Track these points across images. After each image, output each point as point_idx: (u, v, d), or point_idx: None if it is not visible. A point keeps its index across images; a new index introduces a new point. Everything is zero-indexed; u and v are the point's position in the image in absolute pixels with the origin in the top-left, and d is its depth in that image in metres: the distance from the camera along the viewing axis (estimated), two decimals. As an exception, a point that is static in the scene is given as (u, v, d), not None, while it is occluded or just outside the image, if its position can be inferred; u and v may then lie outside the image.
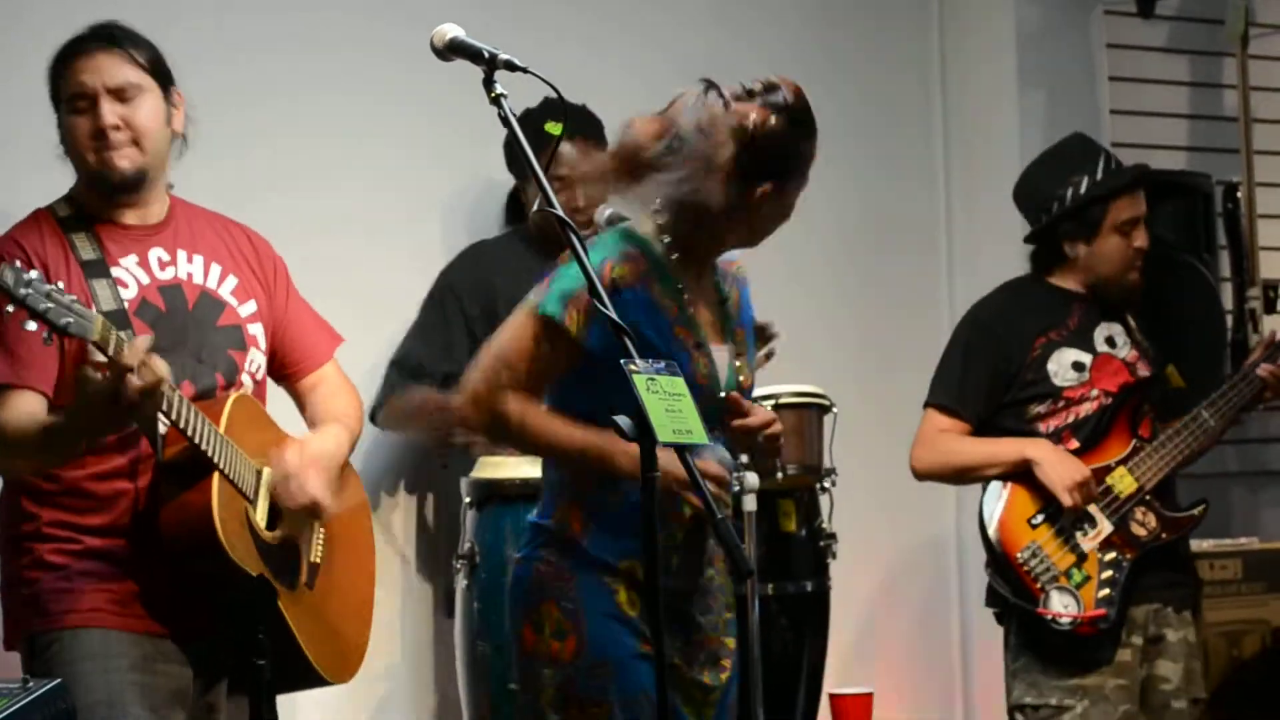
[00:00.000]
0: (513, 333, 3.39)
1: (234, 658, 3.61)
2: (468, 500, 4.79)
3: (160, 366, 3.38)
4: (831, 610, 5.12)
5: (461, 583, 4.76)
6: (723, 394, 3.43)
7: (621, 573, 3.38)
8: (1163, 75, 6.40)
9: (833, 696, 5.37)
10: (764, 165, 3.37)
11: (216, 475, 3.54)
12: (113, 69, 3.68)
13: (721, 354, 3.47)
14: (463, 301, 5.01)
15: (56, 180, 3.80)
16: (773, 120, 3.37)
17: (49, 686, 3.15)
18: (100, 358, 3.33)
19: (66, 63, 3.71)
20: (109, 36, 3.71)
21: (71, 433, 3.49)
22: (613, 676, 3.35)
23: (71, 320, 3.26)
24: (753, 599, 4.57)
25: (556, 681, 3.37)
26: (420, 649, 5.31)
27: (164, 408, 3.44)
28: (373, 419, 5.04)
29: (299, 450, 3.74)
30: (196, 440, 3.50)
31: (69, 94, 3.69)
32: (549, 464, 3.49)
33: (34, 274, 3.23)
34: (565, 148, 4.79)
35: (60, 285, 3.31)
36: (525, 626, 3.42)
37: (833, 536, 5.06)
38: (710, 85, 3.40)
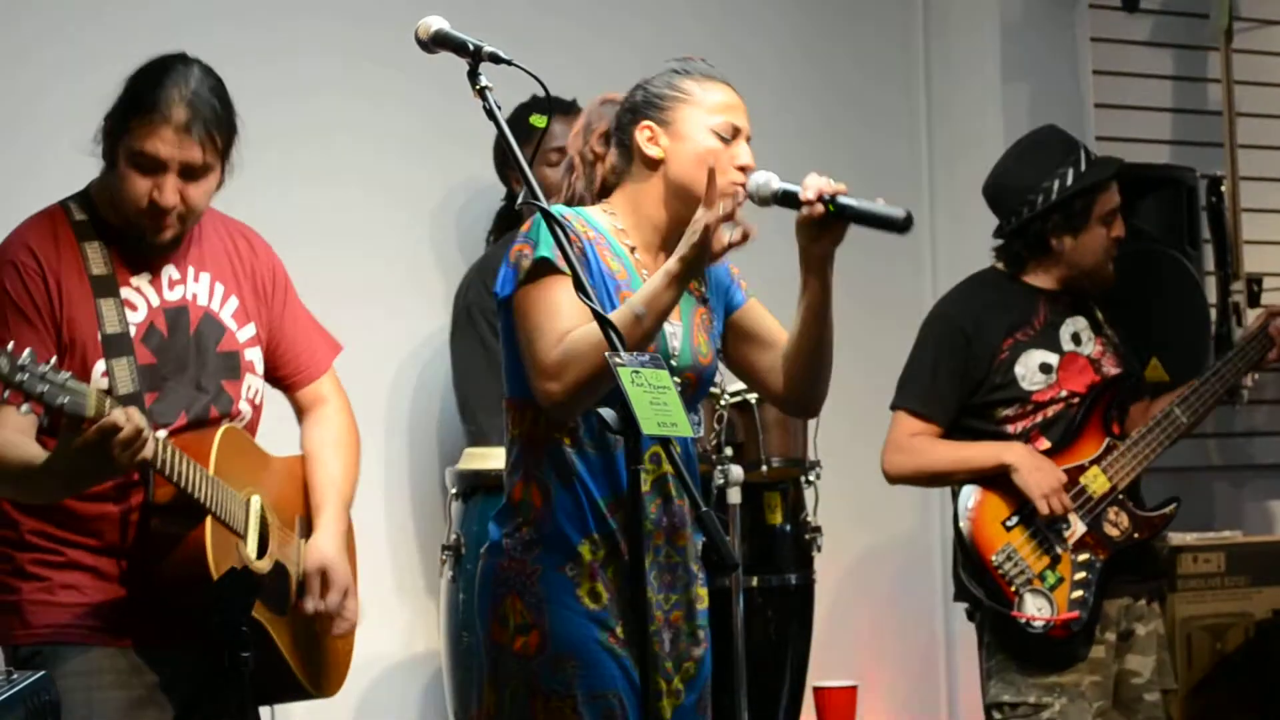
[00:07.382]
0: (539, 302, 3.29)
1: (219, 660, 3.59)
2: (453, 491, 4.79)
3: (148, 448, 3.35)
4: (816, 603, 5.13)
5: (446, 574, 4.76)
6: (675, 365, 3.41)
7: (582, 556, 3.36)
8: (1147, 69, 6.41)
9: (817, 689, 5.38)
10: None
11: (209, 520, 3.51)
12: (192, 151, 3.54)
13: (674, 329, 3.44)
14: (487, 315, 4.99)
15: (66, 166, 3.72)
16: None
17: (33, 679, 3.14)
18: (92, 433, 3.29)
19: (148, 109, 3.53)
20: (199, 115, 3.55)
21: (47, 477, 3.42)
22: (577, 670, 3.35)
23: (67, 400, 3.23)
24: (737, 592, 4.57)
25: (522, 675, 3.37)
26: (407, 640, 5.31)
27: (156, 465, 3.42)
28: None
29: (335, 548, 3.77)
30: (187, 489, 3.47)
31: (138, 149, 3.53)
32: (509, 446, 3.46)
33: (26, 356, 3.19)
34: (556, 126, 4.83)
35: (53, 362, 3.25)
36: (492, 620, 3.42)
37: (818, 530, 5.06)
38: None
